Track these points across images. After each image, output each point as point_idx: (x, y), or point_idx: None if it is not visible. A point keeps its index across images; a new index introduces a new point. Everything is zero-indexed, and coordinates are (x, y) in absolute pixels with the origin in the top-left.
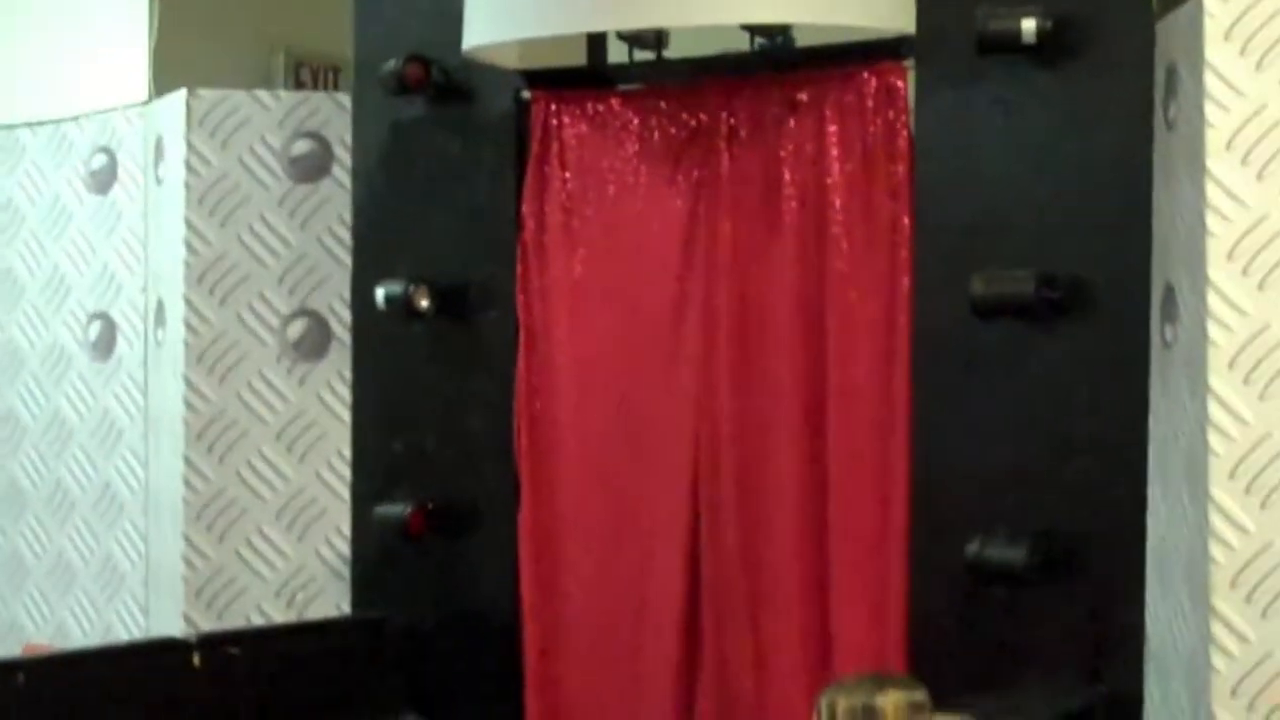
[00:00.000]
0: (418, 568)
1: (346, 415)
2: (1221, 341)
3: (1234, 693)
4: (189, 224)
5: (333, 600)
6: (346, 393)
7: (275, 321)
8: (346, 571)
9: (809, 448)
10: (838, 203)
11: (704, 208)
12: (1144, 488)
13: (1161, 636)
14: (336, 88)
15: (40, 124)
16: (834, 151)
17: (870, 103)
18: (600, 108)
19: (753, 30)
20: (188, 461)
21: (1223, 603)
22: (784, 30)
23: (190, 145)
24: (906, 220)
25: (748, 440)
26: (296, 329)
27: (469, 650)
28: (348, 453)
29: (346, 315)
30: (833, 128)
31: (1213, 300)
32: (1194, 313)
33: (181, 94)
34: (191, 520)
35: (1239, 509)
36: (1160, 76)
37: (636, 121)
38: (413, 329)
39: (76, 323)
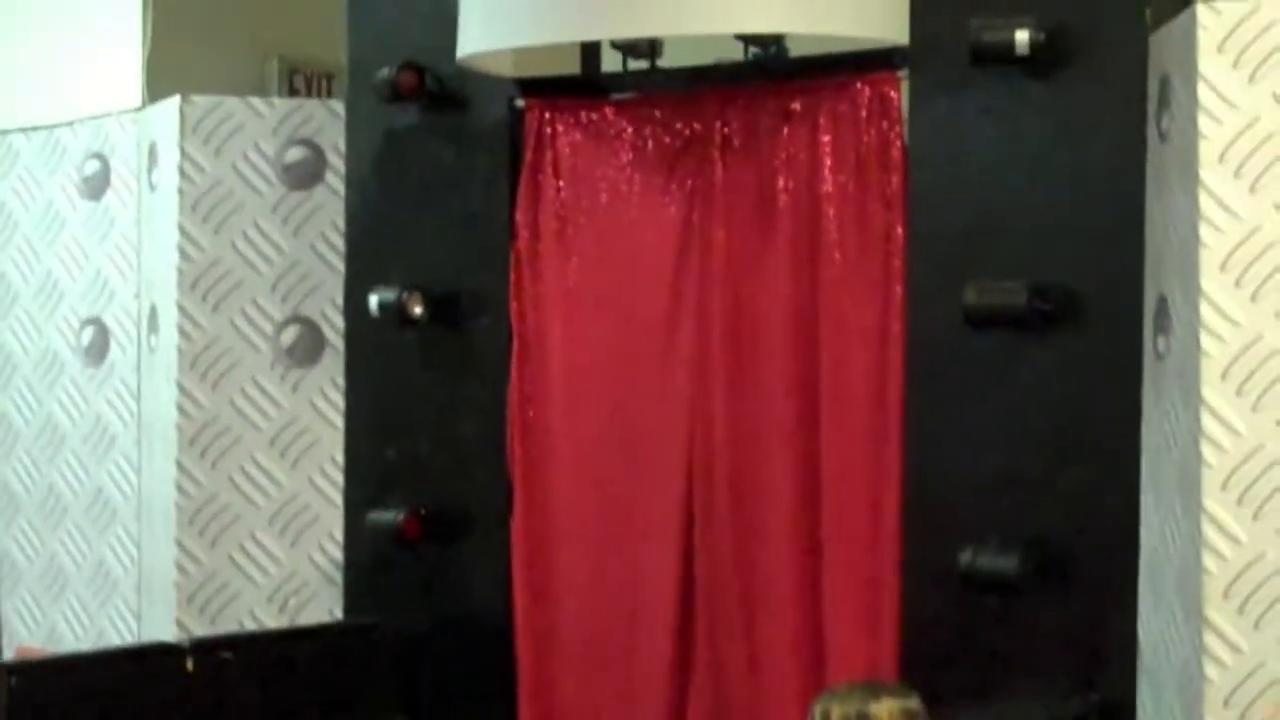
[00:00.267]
0: (411, 573)
1: (339, 421)
2: (1214, 352)
3: (1226, 703)
4: (182, 230)
5: (325, 606)
6: (339, 399)
7: (268, 328)
8: (339, 577)
9: (802, 455)
10: (831, 212)
11: (698, 216)
12: (1137, 498)
13: (1154, 646)
14: (330, 95)
15: (34, 129)
16: (828, 161)
17: (864, 112)
18: (594, 116)
19: (747, 39)
20: (180, 467)
21: (1215, 613)
22: (778, 40)
23: (184, 151)
24: (900, 230)
25: (741, 448)
26: (289, 335)
27: (462, 655)
28: (341, 459)
29: (340, 322)
30: (826, 137)
31: (1205, 311)
32: (1187, 324)
33: (175, 100)
34: (184, 526)
35: (1231, 520)
36: (1153, 88)
37: (630, 130)
38: (406, 336)
39: (69, 328)
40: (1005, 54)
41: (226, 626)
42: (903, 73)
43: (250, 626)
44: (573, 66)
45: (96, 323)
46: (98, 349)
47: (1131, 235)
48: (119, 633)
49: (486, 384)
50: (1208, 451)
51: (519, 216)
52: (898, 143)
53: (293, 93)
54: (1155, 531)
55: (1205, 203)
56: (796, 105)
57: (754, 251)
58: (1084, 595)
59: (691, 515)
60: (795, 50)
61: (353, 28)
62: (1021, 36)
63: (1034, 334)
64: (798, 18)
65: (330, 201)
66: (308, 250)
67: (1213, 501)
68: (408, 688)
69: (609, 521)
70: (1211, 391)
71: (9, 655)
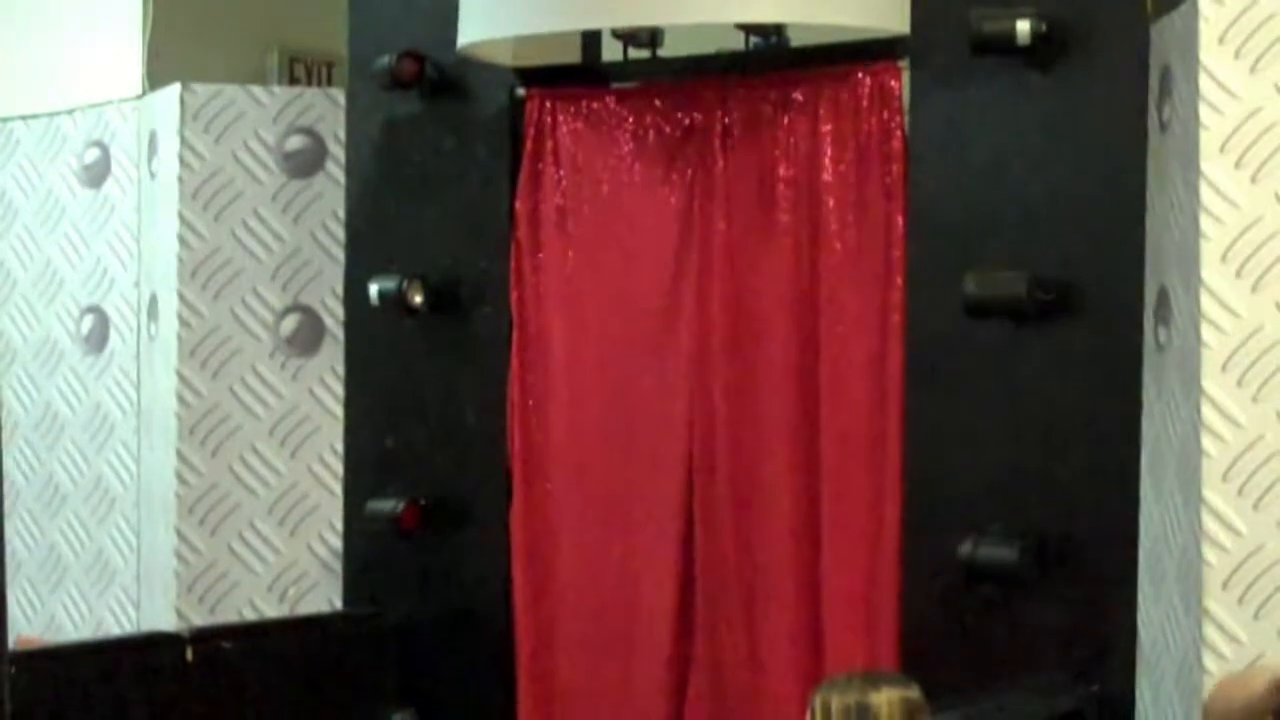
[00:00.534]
0: (410, 563)
1: (339, 410)
2: (1215, 344)
3: None
4: (182, 218)
5: (325, 595)
6: (339, 388)
7: (268, 316)
8: (339, 566)
9: (802, 445)
10: (831, 202)
11: (698, 206)
12: (1137, 489)
13: (1154, 637)
14: (331, 83)
15: (34, 117)
16: (828, 151)
17: (865, 103)
18: (595, 105)
19: (747, 29)
20: (180, 456)
21: (1215, 604)
22: (779, 29)
23: (184, 140)
24: (900, 220)
25: (741, 438)
26: (289, 324)
27: (461, 644)
28: (340, 448)
29: (339, 310)
30: (827, 127)
31: (1206, 302)
32: (1188, 315)
33: (175, 88)
34: (184, 515)
35: (1232, 511)
36: (1154, 79)
37: (631, 119)
38: (406, 325)
39: (69, 316)
40: (1006, 44)
41: (226, 616)
42: (903, 63)
43: (250, 616)
44: (573, 56)
45: (96, 311)
46: (97, 337)
47: (1132, 226)
48: (118, 622)
49: (486, 373)
50: (1208, 442)
51: (519, 205)
52: (898, 133)
53: (293, 81)
54: (1155, 523)
55: (1206, 193)
56: (797, 95)
57: (754, 241)
58: (1084, 587)
59: (691, 505)
60: (796, 40)
61: (353, 16)
62: (1022, 26)
63: (1034, 325)
64: (798, 7)
65: (330, 190)
66: (308, 239)
67: (1213, 492)
68: (407, 676)
69: (608, 510)
70: (1212, 382)
71: (9, 644)
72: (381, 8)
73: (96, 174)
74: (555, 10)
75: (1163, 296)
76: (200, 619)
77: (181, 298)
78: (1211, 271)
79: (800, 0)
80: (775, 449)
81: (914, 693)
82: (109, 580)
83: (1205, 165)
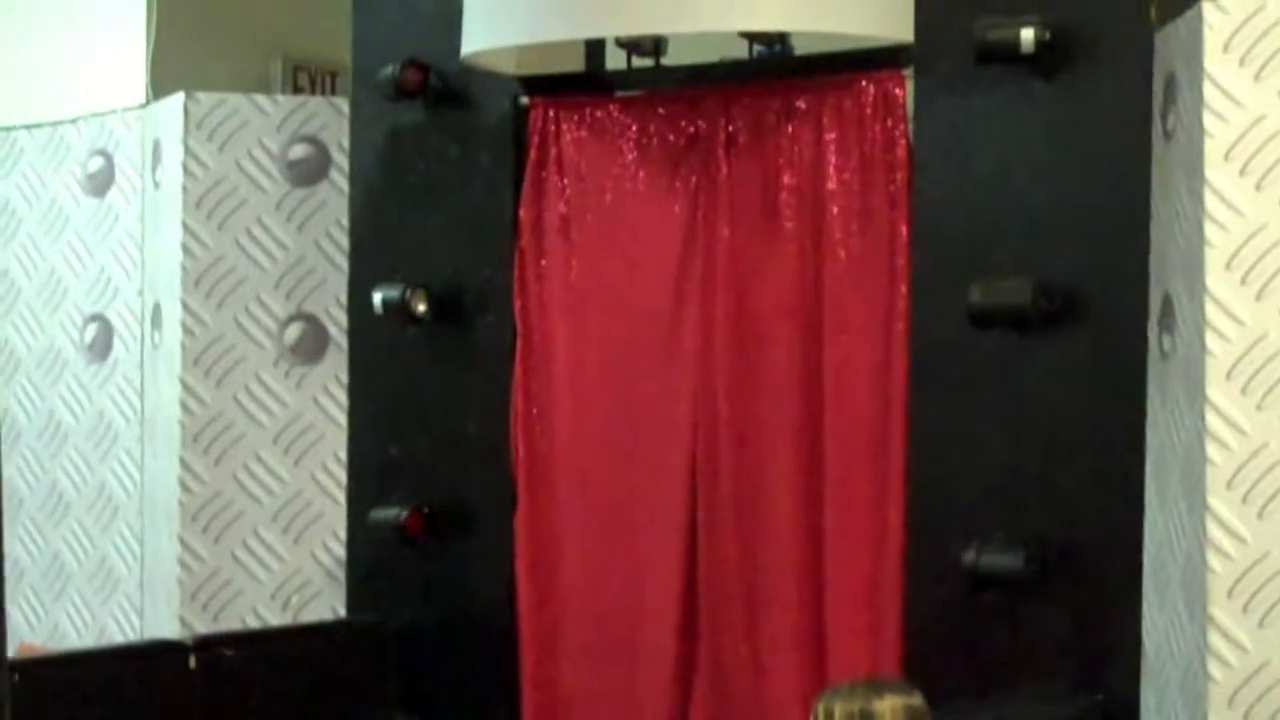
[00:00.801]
0: (414, 571)
1: (343, 419)
2: (1219, 351)
3: (1231, 702)
4: (186, 227)
5: (328, 603)
6: (343, 396)
7: (272, 325)
8: (342, 574)
9: (806, 453)
10: (836, 210)
11: (702, 214)
12: (1141, 496)
13: (1158, 645)
14: (334, 92)
15: (38, 126)
16: (832, 159)
17: (869, 111)
18: (598, 114)
19: (751, 37)
20: (184, 464)
21: (1220, 612)
22: (783, 37)
23: (188, 149)
24: (904, 228)
25: (745, 446)
26: (293, 332)
27: (465, 653)
28: (344, 456)
29: (343, 319)
30: (831, 135)
31: (1211, 310)
32: (1192, 323)
33: (179, 97)
34: (187, 523)
35: (1236, 519)
36: (1159, 87)
37: (635, 128)
38: (409, 333)
39: (73, 325)
40: (1010, 52)
41: (229, 624)
42: (908, 71)
43: (253, 624)
44: (577, 64)
45: (100, 319)
46: (101, 346)
47: (1136, 234)
48: (121, 630)
49: (490, 381)
50: (1212, 450)
51: (523, 214)
52: (902, 141)
53: (297, 90)
54: (1160, 530)
55: (1210, 201)
56: (801, 103)
57: (758, 249)
58: (1088, 594)
59: (695, 512)
60: (800, 48)
61: (357, 25)
62: (1027, 34)
63: (1038, 333)
64: (803, 15)
65: (334, 199)
66: (312, 247)
67: (1217, 500)
68: (410, 685)
69: (612, 518)
70: (1216, 390)
71: (12, 652)
72: (385, 16)
73: (100, 183)
74: (559, 18)
75: (1167, 304)
76: (204, 627)
77: (185, 306)
78: (1216, 279)
79: (804, 8)
80: (779, 456)
81: (917, 700)
82: (112, 588)
83: (1210, 173)
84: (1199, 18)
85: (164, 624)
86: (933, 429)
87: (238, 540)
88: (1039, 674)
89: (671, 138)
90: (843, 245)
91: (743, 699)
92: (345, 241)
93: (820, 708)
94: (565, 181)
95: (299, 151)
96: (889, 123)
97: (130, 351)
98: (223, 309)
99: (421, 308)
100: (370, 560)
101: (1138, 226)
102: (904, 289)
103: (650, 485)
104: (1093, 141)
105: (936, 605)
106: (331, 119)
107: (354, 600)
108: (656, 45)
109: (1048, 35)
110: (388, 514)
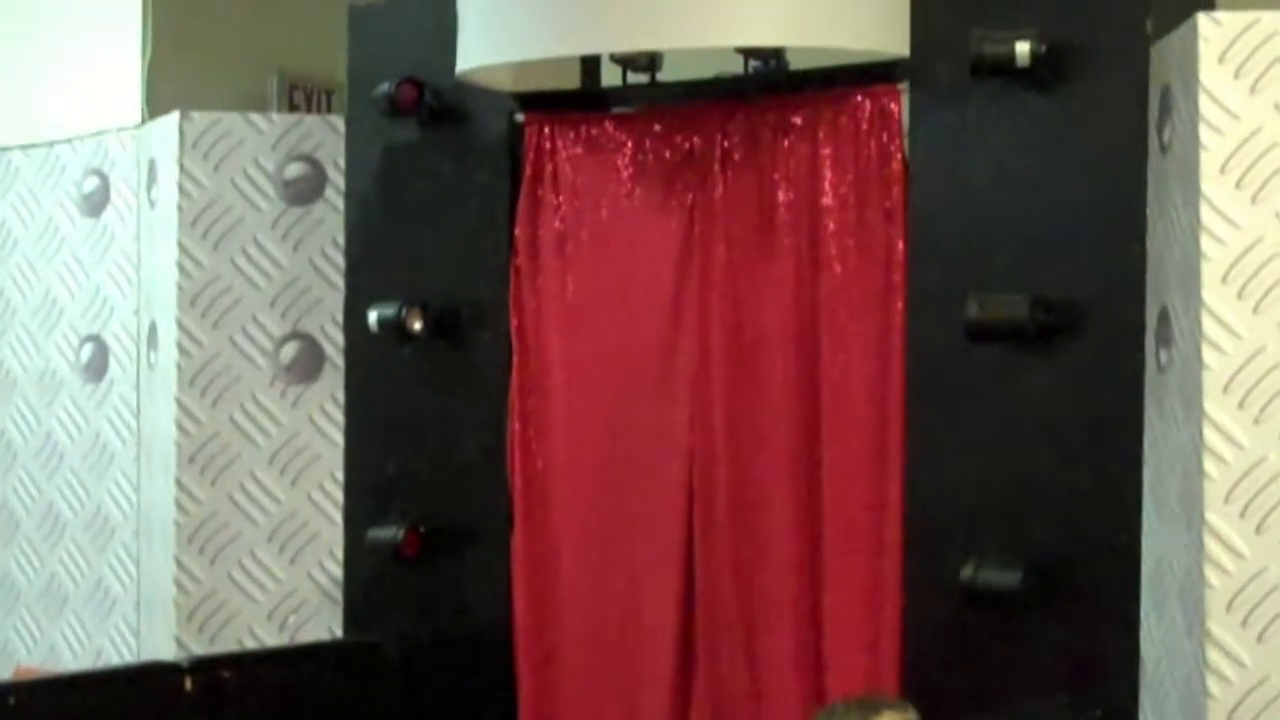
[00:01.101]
0: (411, 590)
1: (339, 438)
2: (1216, 365)
3: (1230, 718)
4: (181, 247)
5: (325, 623)
6: (339, 415)
7: (268, 344)
8: (339, 594)
9: (803, 469)
10: (831, 225)
11: (698, 230)
12: (1139, 511)
13: (1157, 660)
14: (330, 110)
15: (33, 146)
16: (828, 174)
17: (864, 125)
18: (594, 130)
19: (747, 53)
20: (180, 484)
21: (1218, 627)
22: (778, 53)
23: (183, 168)
24: (900, 243)
25: (742, 463)
26: (289, 352)
27: (463, 672)
28: (340, 475)
29: (339, 338)
30: (827, 150)
31: (1207, 324)
32: (1188, 336)
33: (174, 116)
34: (183, 543)
35: (1234, 533)
36: (1154, 100)
37: (630, 144)
38: (405, 352)
39: (68, 345)
40: (1006, 66)
41: (226, 644)
42: (903, 85)
43: (250, 644)
44: (572, 81)
45: (96, 340)
46: (97, 366)
47: (1132, 247)
48: (118, 651)
49: (486, 399)
50: (1210, 464)
51: (519, 231)
52: (898, 155)
53: (292, 108)
54: (1157, 545)
55: (1206, 214)
56: (797, 119)
57: (754, 265)
58: (1086, 609)
59: (692, 531)
60: (795, 64)
61: (352, 43)
62: (1022, 48)
63: (1035, 347)
64: (798, 31)
65: (330, 217)
66: (307, 266)
67: (1215, 515)
68: (408, 705)
69: (609, 537)
70: (1213, 404)
71: (8, 674)
72: (380, 34)
73: (95, 203)
74: (554, 35)
75: (1163, 317)
76: (200, 648)
77: (181, 326)
78: (1212, 292)
79: (799, 23)
80: (776, 474)
81: (913, 717)
82: (109, 609)
83: (1206, 186)
84: (1194, 31)
85: (160, 645)
86: (930, 444)
87: (234, 560)
88: (1038, 690)
89: (667, 154)
90: (839, 260)
91: (741, 716)
92: (341, 260)
93: None
94: (561, 198)
95: (294, 170)
96: (884, 137)
97: (126, 371)
98: (218, 328)
99: (417, 326)
100: (367, 580)
101: (1134, 239)
102: (900, 304)
103: (647, 503)
104: (1089, 155)
105: (935, 622)
106: (327, 137)
107: (351, 620)
108: (652, 61)
109: (1043, 49)
110: (384, 534)
